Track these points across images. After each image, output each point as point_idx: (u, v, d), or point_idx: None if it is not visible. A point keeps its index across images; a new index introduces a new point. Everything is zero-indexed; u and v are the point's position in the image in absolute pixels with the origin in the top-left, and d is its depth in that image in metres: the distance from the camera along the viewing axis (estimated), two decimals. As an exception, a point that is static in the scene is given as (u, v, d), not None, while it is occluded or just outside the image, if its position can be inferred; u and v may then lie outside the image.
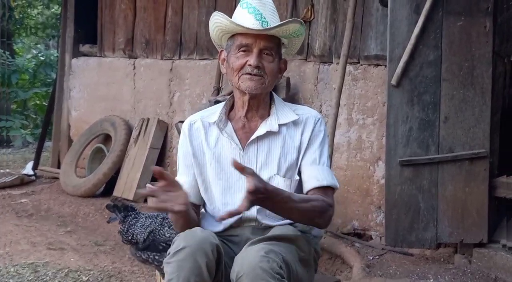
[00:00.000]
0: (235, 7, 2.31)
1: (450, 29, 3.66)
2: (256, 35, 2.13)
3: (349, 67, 4.50)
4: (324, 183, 2.18)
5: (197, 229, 2.04)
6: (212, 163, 2.23)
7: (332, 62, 4.72)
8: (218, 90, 5.28)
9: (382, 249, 4.19)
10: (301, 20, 2.21)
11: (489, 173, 3.70)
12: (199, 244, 1.93)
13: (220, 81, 5.32)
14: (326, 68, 4.75)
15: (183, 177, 2.28)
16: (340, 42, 4.53)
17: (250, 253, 1.90)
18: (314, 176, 2.19)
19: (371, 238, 4.46)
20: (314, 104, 4.74)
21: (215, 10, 5.45)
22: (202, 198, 2.29)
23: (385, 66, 3.96)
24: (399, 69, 3.71)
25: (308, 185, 2.20)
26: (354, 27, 4.31)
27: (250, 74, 2.13)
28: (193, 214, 2.15)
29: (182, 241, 1.95)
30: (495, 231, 3.88)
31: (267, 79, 2.15)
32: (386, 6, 3.94)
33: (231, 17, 2.15)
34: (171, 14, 5.91)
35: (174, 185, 1.98)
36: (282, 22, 2.13)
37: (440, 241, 3.82)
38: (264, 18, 2.13)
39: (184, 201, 1.97)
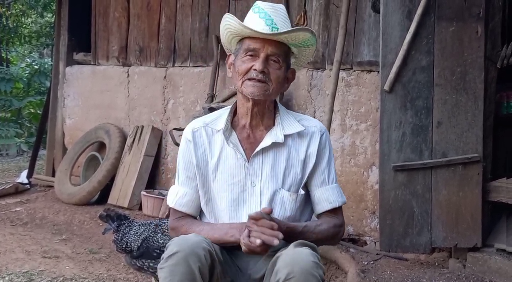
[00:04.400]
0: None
1: (442, 35, 3.68)
2: (264, 40, 2.08)
3: (342, 73, 4.51)
4: (336, 204, 2.21)
5: (190, 235, 2.02)
6: (216, 173, 2.18)
7: (325, 69, 4.73)
8: (212, 97, 5.30)
9: (377, 254, 4.20)
10: (313, 30, 2.15)
11: (482, 177, 3.70)
12: (192, 249, 1.91)
13: (214, 88, 5.33)
14: (319, 75, 4.77)
15: (185, 188, 2.23)
16: (333, 49, 4.54)
17: (301, 256, 1.90)
18: (326, 198, 2.21)
19: (366, 244, 4.47)
20: (307, 111, 4.75)
21: (208, 17, 5.52)
22: (200, 210, 2.26)
23: (378, 72, 3.98)
24: (391, 75, 3.72)
25: (320, 208, 2.23)
26: (346, 34, 4.33)
27: (254, 79, 2.08)
28: None
29: (175, 246, 1.93)
30: (489, 235, 3.89)
31: (271, 86, 2.10)
32: (378, 12, 3.96)
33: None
34: (165, 21, 5.92)
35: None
36: (292, 28, 2.09)
37: (435, 246, 3.82)
38: (275, 24, 2.08)
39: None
